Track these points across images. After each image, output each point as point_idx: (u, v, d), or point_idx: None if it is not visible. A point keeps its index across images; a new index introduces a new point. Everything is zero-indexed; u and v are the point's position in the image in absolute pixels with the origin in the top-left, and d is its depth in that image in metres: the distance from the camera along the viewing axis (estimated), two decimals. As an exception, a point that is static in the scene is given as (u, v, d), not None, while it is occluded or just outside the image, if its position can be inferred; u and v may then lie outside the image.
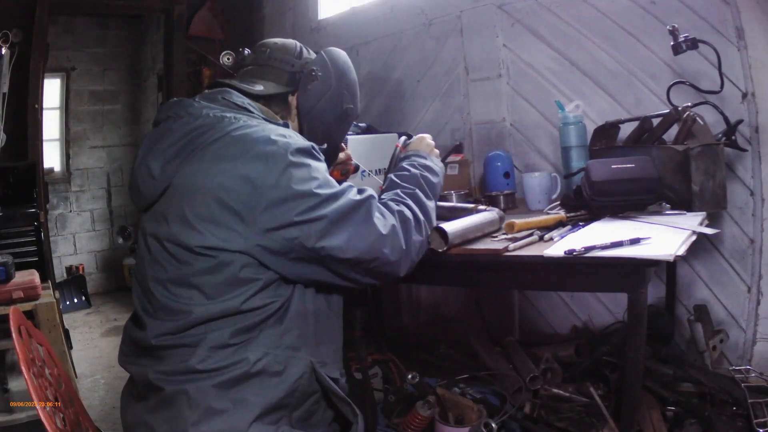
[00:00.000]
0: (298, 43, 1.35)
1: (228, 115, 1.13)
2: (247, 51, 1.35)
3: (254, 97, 1.25)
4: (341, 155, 1.52)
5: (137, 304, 1.13)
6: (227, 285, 1.02)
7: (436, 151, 1.44)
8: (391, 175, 1.32)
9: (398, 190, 1.25)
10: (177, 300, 1.04)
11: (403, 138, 1.48)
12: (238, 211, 1.01)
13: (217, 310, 1.02)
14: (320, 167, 1.09)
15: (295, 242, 1.02)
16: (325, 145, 1.30)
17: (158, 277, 1.07)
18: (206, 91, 1.25)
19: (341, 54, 1.36)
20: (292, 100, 1.31)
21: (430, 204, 1.27)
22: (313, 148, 1.10)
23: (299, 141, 1.09)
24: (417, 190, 1.25)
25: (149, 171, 1.12)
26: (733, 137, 1.72)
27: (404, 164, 1.34)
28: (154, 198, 1.12)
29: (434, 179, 1.33)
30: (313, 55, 1.35)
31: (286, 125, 1.19)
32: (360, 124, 2.23)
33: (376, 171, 1.79)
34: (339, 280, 1.10)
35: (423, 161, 1.36)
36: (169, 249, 1.05)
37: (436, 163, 1.38)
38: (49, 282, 2.71)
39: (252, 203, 1.01)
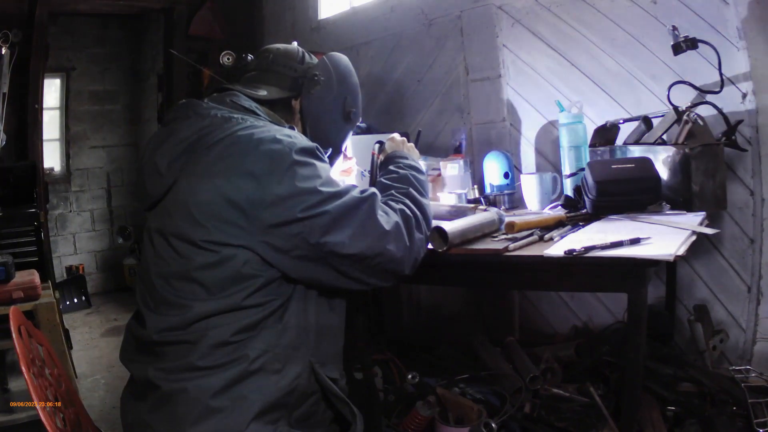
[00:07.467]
0: (301, 48, 1.37)
1: (235, 116, 1.14)
2: (249, 56, 1.36)
3: (258, 102, 1.26)
4: (346, 164, 1.53)
5: (140, 301, 1.13)
6: (229, 281, 1.03)
7: (416, 152, 1.46)
8: (381, 179, 1.32)
9: (393, 191, 1.25)
10: (178, 294, 1.05)
11: (377, 145, 1.49)
12: (242, 207, 1.02)
13: (217, 306, 1.02)
14: (324, 167, 1.11)
15: (299, 238, 1.03)
16: (329, 150, 1.31)
17: (161, 272, 1.07)
18: (214, 94, 1.26)
19: (343, 59, 1.38)
20: (295, 104, 1.33)
21: (426, 201, 1.27)
22: (317, 148, 1.12)
23: (304, 141, 1.11)
24: (410, 189, 1.26)
25: (156, 168, 1.13)
26: (733, 137, 1.72)
27: (390, 167, 1.35)
28: (160, 195, 1.13)
29: (422, 177, 1.34)
30: (316, 60, 1.36)
31: (291, 128, 1.21)
32: (360, 124, 2.23)
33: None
34: (344, 280, 1.10)
35: (406, 161, 1.37)
36: (172, 244, 1.06)
37: (417, 161, 1.39)
38: (49, 282, 2.70)
39: (256, 200, 1.02)
